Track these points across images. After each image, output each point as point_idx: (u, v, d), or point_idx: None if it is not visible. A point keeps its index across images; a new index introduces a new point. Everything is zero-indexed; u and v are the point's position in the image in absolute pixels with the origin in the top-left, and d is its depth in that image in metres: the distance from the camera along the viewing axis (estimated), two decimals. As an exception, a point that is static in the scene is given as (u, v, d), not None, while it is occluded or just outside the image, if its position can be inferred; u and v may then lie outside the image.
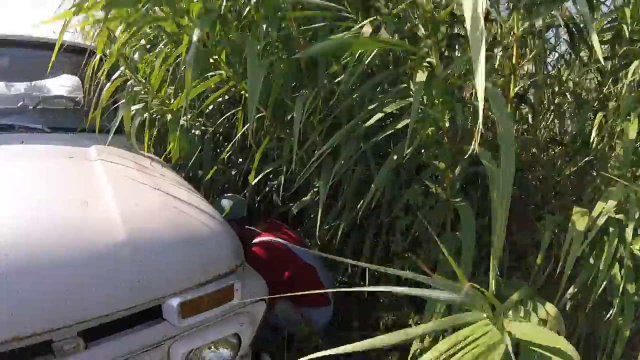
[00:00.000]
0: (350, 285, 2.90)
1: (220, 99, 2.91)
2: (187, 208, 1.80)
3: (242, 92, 2.37)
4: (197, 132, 2.92)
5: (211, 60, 2.29)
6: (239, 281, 1.69)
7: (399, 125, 1.83)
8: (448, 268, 1.92)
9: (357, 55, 1.95)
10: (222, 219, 1.85)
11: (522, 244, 2.17)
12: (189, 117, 2.84)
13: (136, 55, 2.62)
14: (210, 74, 2.38)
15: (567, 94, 2.55)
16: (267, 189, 2.89)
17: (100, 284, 1.43)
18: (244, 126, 2.47)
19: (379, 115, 1.85)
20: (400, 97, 1.88)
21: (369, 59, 1.89)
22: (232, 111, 2.75)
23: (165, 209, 1.74)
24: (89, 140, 2.38)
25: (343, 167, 1.96)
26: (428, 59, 1.65)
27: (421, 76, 1.63)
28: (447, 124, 1.76)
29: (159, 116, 2.76)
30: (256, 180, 2.46)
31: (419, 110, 1.62)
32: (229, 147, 2.55)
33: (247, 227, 2.55)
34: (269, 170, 2.47)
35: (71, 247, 1.44)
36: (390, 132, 1.87)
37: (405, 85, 1.93)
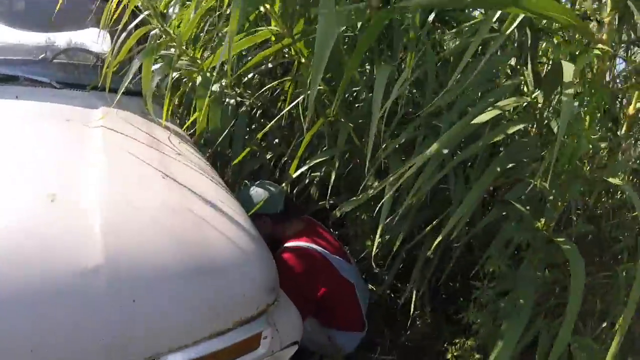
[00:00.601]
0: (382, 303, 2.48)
1: (263, 66, 2.44)
2: (204, 212, 1.34)
3: (296, 55, 1.89)
4: (232, 101, 2.44)
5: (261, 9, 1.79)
6: (269, 326, 1.24)
7: (513, 129, 1.35)
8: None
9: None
10: (255, 232, 1.37)
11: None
12: (224, 82, 2.36)
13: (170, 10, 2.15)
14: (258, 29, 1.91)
15: None
16: (306, 180, 2.40)
17: (57, 344, 1.00)
18: (292, 101, 1.98)
19: (494, 112, 1.35)
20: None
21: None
22: (278, 80, 2.25)
23: (171, 214, 1.28)
24: (99, 101, 1.92)
25: (426, 177, 1.45)
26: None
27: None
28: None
29: (185, 78, 2.29)
30: (299, 172, 1.98)
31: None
32: (270, 124, 2.04)
33: (282, 224, 2.10)
34: (317, 162, 1.98)
35: (9, 286, 1.00)
36: (500, 137, 1.38)
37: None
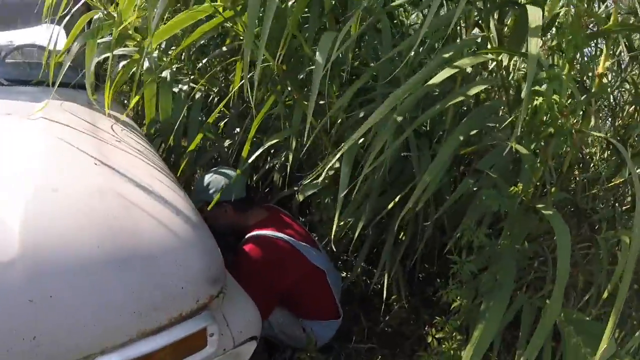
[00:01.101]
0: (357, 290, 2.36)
1: (217, 51, 2.30)
2: (139, 198, 1.20)
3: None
4: (185, 87, 2.28)
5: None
6: (215, 322, 1.11)
7: (474, 91, 1.23)
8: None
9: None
10: (196, 219, 1.23)
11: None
12: (174, 67, 2.21)
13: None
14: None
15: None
16: (267, 166, 2.26)
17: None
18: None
19: (448, 72, 1.22)
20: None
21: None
22: (227, 62, 2.12)
23: (100, 201, 1.14)
24: (46, 95, 1.78)
25: (377, 143, 1.32)
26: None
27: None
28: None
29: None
30: (254, 156, 1.84)
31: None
32: (218, 107, 1.88)
33: (244, 212, 1.96)
34: (272, 143, 1.84)
35: None
36: (459, 99, 1.26)
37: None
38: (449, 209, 1.70)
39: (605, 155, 2.58)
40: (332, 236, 1.59)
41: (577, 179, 2.25)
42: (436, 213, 1.71)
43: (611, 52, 1.61)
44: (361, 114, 1.72)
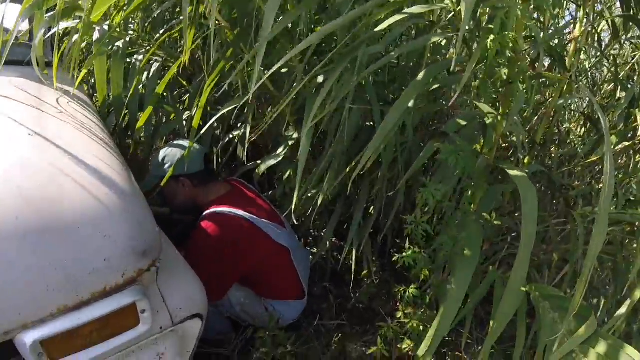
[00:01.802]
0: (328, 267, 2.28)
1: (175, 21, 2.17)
2: (68, 168, 1.09)
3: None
4: (140, 57, 2.15)
5: None
6: (146, 298, 1.01)
7: (429, 41, 1.14)
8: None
9: None
10: (129, 189, 1.12)
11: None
12: (128, 38, 2.08)
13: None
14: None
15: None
16: (227, 138, 2.15)
17: None
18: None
19: (397, 17, 1.12)
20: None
21: None
22: (177, 29, 2.00)
23: (23, 170, 1.03)
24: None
25: (332, 105, 1.23)
26: None
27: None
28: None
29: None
30: (207, 127, 1.73)
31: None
32: (168, 75, 1.75)
33: (203, 186, 1.85)
34: (228, 110, 1.72)
35: None
36: (411, 48, 1.16)
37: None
38: (418, 181, 1.62)
39: (582, 131, 2.55)
40: (293, 209, 1.50)
41: (553, 155, 2.20)
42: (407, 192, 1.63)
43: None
44: (320, 78, 1.61)
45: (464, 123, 1.43)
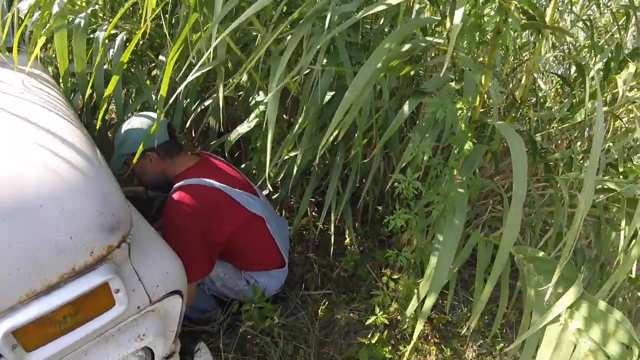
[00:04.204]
0: (310, 236, 2.25)
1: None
2: (30, 145, 1.03)
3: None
4: (102, 34, 2.05)
5: None
6: (118, 276, 0.96)
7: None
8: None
9: None
10: (93, 162, 1.05)
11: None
12: (89, 10, 1.98)
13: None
14: None
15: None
16: (199, 108, 2.07)
17: None
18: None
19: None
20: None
21: None
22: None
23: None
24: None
25: (303, 66, 1.17)
26: None
27: None
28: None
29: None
30: (173, 97, 1.65)
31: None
32: (132, 43, 1.65)
33: (171, 157, 1.78)
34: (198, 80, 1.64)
35: None
36: (380, 8, 1.11)
37: None
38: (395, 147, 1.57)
39: (560, 95, 2.54)
40: (267, 176, 1.45)
41: (531, 118, 2.19)
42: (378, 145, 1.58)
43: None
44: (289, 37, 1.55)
45: (445, 81, 1.39)
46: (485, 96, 2.31)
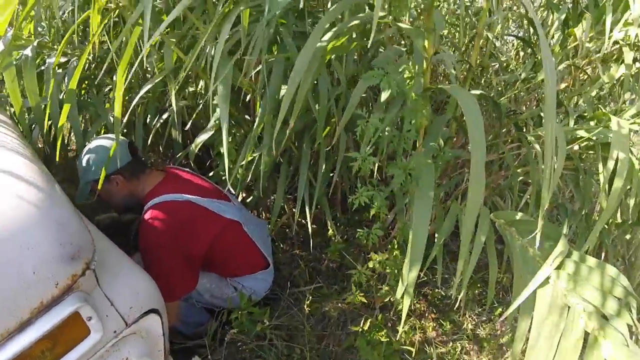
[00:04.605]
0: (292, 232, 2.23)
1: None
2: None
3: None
4: (52, 60, 2.00)
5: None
6: (87, 303, 0.94)
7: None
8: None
9: None
10: (45, 191, 1.02)
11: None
12: (36, 42, 1.94)
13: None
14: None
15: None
16: (159, 123, 2.04)
17: None
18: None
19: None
20: None
21: None
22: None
23: None
24: None
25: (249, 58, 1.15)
26: None
27: None
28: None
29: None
30: (127, 113, 1.63)
31: None
32: (78, 68, 1.60)
33: (137, 177, 1.75)
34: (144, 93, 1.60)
35: None
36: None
37: None
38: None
39: (521, 57, 2.55)
40: (232, 178, 1.43)
41: (496, 83, 2.19)
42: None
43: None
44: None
45: (397, 54, 1.37)
46: (443, 66, 2.31)
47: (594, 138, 1.48)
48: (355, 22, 1.24)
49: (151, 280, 1.15)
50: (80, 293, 0.95)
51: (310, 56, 1.07)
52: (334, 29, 1.15)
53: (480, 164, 1.00)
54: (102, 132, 2.17)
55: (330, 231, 2.08)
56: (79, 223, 1.00)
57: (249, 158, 1.66)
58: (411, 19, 1.35)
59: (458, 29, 2.49)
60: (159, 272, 1.37)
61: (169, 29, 1.72)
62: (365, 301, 1.75)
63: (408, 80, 1.13)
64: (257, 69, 1.53)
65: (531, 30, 2.27)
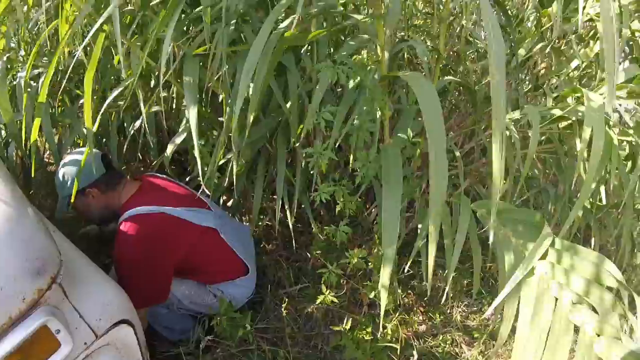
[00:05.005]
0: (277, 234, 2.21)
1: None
2: None
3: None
4: (22, 74, 1.97)
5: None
6: (54, 317, 0.92)
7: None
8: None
9: None
10: (7, 207, 1.00)
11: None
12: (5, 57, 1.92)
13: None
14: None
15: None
16: (132, 131, 2.01)
17: None
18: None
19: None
20: None
21: None
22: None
23: None
24: None
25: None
26: None
27: None
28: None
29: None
30: (98, 118, 1.59)
31: None
32: (46, 79, 1.57)
33: (112, 189, 1.73)
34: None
35: None
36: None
37: None
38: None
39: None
40: (202, 180, 1.42)
41: (475, 70, 2.17)
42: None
43: None
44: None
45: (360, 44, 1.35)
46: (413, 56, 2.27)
47: (573, 118, 1.47)
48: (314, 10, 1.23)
49: (122, 291, 1.14)
50: (47, 307, 0.94)
51: (264, 44, 1.05)
52: (291, 17, 1.14)
53: (441, 156, 0.98)
54: (80, 143, 2.15)
55: (315, 229, 2.07)
56: (45, 238, 0.99)
57: (223, 160, 1.65)
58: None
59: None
60: (130, 283, 1.36)
61: (136, 35, 1.69)
62: (337, 301, 1.73)
63: (361, 70, 1.11)
64: (226, 67, 1.52)
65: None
